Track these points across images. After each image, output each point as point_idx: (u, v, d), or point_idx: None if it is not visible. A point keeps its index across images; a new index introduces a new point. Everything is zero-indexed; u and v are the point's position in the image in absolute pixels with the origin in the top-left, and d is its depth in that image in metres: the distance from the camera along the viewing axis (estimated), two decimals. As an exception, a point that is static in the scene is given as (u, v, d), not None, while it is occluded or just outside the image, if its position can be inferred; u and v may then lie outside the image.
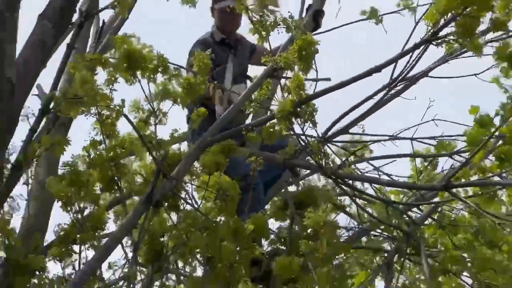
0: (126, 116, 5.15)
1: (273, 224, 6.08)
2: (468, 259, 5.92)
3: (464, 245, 6.05)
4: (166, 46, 5.97)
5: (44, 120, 5.81)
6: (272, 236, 5.97)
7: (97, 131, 5.49)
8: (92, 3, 6.11)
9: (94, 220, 5.34)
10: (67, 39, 6.09)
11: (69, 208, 5.40)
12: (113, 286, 5.70)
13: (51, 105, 5.53)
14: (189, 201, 5.28)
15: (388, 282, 6.07)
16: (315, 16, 6.64)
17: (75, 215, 5.37)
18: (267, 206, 6.22)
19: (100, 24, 6.46)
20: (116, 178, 5.34)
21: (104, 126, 5.44)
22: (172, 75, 5.27)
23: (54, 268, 5.58)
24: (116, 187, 5.37)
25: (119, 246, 5.30)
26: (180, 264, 5.80)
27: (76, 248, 5.41)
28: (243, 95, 5.53)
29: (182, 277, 5.85)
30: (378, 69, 5.27)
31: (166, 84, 5.33)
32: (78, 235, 5.32)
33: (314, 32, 6.46)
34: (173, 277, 5.99)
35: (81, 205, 5.36)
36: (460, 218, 6.27)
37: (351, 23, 6.15)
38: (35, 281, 5.37)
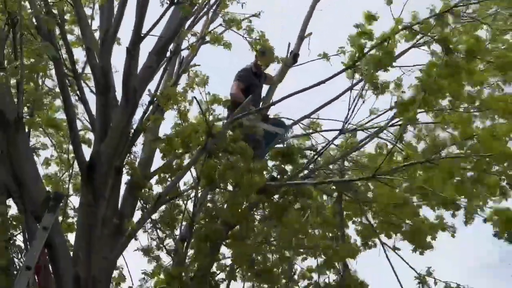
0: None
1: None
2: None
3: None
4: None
5: (151, 107, 5.83)
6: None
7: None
8: (177, 46, 6.18)
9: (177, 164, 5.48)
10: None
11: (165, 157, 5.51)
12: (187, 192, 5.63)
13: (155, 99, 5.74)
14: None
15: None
16: (295, 56, 6.66)
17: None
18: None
19: (182, 58, 6.43)
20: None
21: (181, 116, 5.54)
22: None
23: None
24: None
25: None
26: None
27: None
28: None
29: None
30: (323, 81, 5.37)
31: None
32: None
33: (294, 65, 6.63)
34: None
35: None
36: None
37: (314, 60, 5.99)
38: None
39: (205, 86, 5.35)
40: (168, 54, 5.95)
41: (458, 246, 6.55)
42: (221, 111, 5.80)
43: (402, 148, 5.85)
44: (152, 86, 5.90)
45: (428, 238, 5.83)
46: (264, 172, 5.83)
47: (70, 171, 6.68)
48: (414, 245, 5.80)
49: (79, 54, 6.27)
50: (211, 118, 5.41)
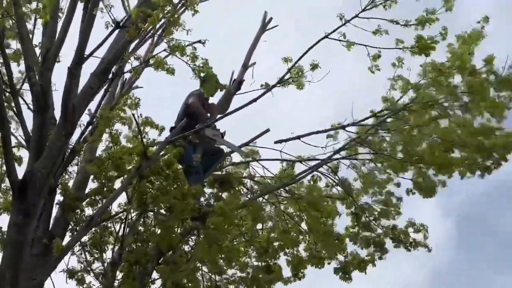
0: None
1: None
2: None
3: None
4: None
5: (90, 128, 5.98)
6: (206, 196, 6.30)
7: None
8: (120, 68, 6.26)
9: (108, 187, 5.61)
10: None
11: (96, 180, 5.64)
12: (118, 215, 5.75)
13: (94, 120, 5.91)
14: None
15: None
16: (239, 83, 6.89)
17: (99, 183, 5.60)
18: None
19: (124, 79, 6.70)
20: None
21: (114, 139, 5.68)
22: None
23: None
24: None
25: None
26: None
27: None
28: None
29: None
30: (255, 99, 5.94)
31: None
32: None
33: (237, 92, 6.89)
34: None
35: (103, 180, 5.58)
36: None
37: (256, 89, 6.29)
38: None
39: (137, 109, 5.44)
40: (110, 75, 6.04)
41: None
42: (154, 135, 5.94)
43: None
44: (93, 106, 6.10)
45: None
46: (202, 199, 6.09)
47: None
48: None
49: (18, 69, 6.39)
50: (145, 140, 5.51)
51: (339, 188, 6.76)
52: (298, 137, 6.43)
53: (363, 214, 6.77)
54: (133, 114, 5.51)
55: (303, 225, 6.43)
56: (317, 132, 6.54)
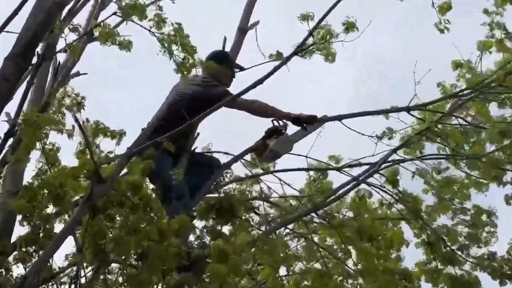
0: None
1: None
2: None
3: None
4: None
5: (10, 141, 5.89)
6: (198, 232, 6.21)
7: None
8: (50, 48, 6.22)
9: (46, 231, 5.45)
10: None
11: (27, 221, 5.45)
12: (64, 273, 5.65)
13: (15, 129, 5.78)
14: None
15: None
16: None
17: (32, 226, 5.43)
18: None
19: (57, 64, 6.60)
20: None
21: (49, 156, 5.56)
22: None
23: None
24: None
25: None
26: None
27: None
28: None
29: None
30: (261, 81, 5.82)
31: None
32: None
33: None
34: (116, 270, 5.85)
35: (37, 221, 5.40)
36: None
37: (261, 64, 6.27)
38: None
39: (80, 111, 5.33)
40: (35, 59, 6.00)
41: None
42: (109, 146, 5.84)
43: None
44: (12, 109, 6.02)
45: None
46: (191, 237, 6.10)
47: None
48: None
49: None
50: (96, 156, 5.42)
51: (400, 205, 6.82)
52: (338, 118, 6.49)
53: (441, 242, 6.79)
54: (75, 118, 5.41)
55: (350, 263, 6.43)
56: (365, 114, 6.60)
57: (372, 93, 13.71)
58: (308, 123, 6.45)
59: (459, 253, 6.86)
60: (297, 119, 6.46)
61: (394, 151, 6.95)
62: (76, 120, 5.36)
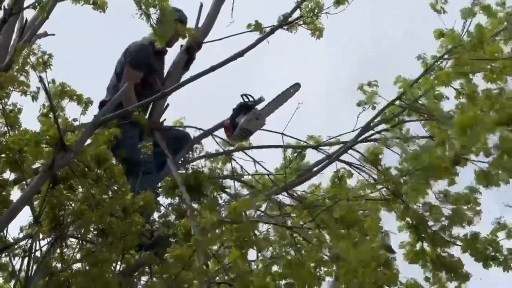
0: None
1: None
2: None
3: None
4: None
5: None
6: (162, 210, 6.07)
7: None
8: (17, 2, 5.94)
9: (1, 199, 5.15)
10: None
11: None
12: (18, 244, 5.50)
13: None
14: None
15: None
16: (189, 50, 6.65)
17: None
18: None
19: (24, 22, 6.35)
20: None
21: (8, 118, 5.27)
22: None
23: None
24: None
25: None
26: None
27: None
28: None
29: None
30: (241, 53, 5.67)
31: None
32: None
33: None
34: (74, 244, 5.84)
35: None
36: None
37: (239, 34, 6.03)
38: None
39: (46, 70, 5.08)
40: (1, 14, 5.80)
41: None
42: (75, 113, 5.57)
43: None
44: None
45: None
46: (155, 215, 5.94)
47: None
48: None
49: None
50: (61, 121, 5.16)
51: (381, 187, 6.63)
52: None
53: (424, 223, 6.65)
54: (40, 78, 5.13)
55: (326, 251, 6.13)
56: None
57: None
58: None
59: (442, 234, 6.73)
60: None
61: (369, 125, 6.88)
62: (41, 80, 5.10)
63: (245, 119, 6.14)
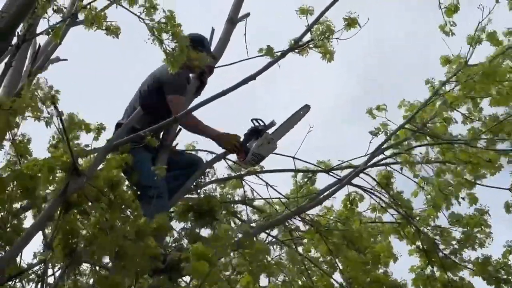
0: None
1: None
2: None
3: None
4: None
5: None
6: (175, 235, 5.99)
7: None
8: (30, 28, 5.88)
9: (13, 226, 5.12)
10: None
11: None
12: (32, 270, 5.46)
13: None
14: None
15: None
16: (201, 75, 6.60)
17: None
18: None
19: (37, 47, 6.30)
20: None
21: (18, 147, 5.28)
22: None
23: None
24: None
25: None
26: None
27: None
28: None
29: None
30: (253, 77, 5.58)
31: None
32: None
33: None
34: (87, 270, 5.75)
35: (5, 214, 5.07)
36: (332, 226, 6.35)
37: (250, 58, 5.97)
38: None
39: (55, 104, 4.98)
40: (14, 41, 5.61)
41: None
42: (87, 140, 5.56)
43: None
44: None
45: None
46: (168, 239, 5.89)
47: None
48: None
49: None
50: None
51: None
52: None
53: (435, 247, 6.63)
54: (55, 106, 5.04)
55: (336, 276, 6.20)
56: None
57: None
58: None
59: (453, 258, 6.71)
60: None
61: (379, 149, 6.90)
62: (56, 107, 5.02)
63: (256, 144, 6.07)
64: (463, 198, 6.92)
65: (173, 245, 5.92)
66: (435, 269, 6.69)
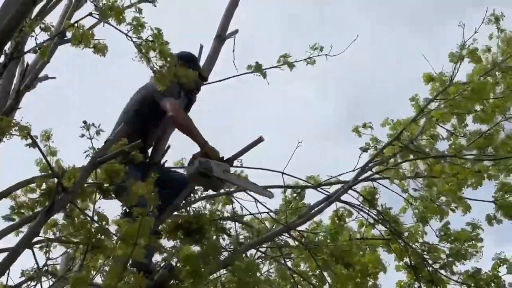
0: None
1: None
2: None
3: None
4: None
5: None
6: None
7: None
8: (18, 47, 5.83)
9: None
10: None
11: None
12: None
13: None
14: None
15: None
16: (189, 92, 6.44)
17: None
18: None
19: (25, 65, 6.23)
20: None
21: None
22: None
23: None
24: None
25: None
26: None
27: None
28: None
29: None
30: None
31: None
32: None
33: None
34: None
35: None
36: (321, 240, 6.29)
37: (240, 74, 6.02)
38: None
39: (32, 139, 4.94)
40: (2, 59, 5.67)
41: None
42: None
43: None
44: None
45: None
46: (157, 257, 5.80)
47: None
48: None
49: None
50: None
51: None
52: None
53: (423, 263, 6.58)
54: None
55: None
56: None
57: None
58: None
59: (443, 272, 6.67)
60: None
61: (366, 166, 6.88)
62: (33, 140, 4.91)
63: (215, 162, 5.82)
64: (456, 207, 6.83)
65: (162, 264, 5.81)
66: (422, 285, 6.64)
